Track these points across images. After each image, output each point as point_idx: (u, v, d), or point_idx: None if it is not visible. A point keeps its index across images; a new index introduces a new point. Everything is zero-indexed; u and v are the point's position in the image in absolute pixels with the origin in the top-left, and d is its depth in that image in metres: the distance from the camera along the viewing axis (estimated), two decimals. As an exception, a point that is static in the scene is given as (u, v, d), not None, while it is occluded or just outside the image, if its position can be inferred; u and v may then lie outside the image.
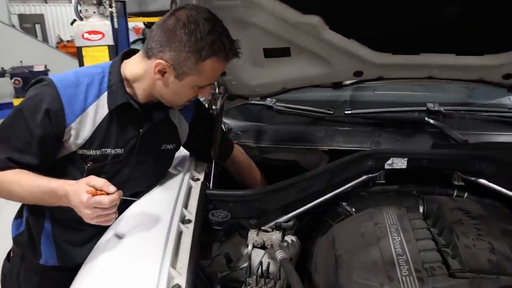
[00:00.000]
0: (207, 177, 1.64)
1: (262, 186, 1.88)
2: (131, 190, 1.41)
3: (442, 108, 2.03)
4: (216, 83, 1.71)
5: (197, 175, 1.61)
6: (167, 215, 1.33)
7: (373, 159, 1.72)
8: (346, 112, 2.09)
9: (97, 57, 4.29)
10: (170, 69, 1.24)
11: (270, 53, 1.59)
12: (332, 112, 2.10)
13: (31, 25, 11.57)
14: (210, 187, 1.56)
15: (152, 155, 1.44)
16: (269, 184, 2.02)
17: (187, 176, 1.55)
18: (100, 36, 4.46)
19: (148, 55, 1.27)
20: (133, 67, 1.32)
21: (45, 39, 11.13)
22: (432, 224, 1.57)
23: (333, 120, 2.07)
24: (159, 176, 1.53)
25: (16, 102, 5.98)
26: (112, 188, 1.14)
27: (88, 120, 1.29)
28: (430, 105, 2.05)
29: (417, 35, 1.47)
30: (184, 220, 1.34)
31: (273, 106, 2.19)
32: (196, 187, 1.51)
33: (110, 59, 4.28)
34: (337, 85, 1.80)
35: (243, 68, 1.63)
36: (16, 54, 6.80)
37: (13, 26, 7.44)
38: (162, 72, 1.26)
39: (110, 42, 4.55)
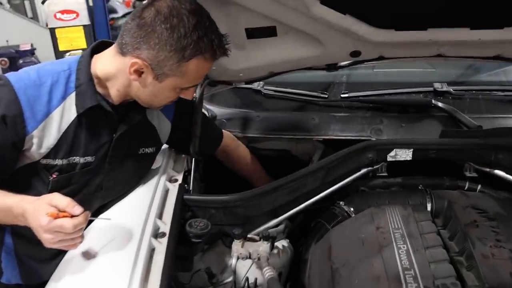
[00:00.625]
0: (188, 176, 1.48)
1: (263, 177, 1.77)
2: (104, 200, 1.31)
3: (451, 88, 1.84)
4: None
5: (175, 175, 1.45)
6: (138, 228, 1.19)
7: (373, 151, 1.56)
8: (342, 95, 1.90)
9: (72, 39, 4.02)
10: (148, 70, 1.10)
11: (253, 33, 1.39)
12: (326, 96, 1.91)
13: (20, 1, 11.13)
14: (190, 189, 1.39)
15: (129, 161, 1.31)
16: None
17: (164, 177, 1.39)
18: (74, 15, 4.17)
19: (123, 52, 1.11)
20: (105, 64, 1.16)
21: (35, 17, 10.73)
22: (442, 224, 1.42)
23: (328, 105, 1.89)
24: (136, 183, 1.39)
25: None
26: (77, 209, 0.98)
27: (52, 126, 1.14)
28: (437, 85, 1.86)
29: (424, 7, 1.26)
30: (157, 234, 1.19)
31: (261, 90, 1.99)
32: (174, 191, 1.35)
33: (87, 41, 4.04)
34: (332, 67, 1.60)
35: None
36: (2, 33, 6.50)
37: (1, 3, 7.07)
38: (139, 72, 1.11)
39: (86, 21, 4.28)
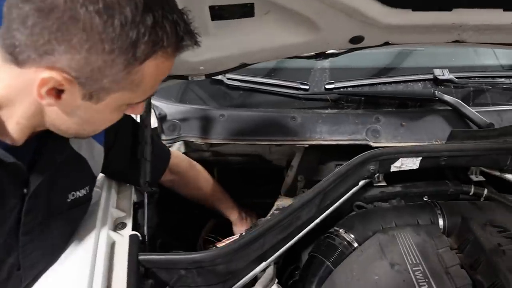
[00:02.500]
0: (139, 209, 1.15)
1: (224, 200, 1.54)
2: (23, 283, 0.93)
3: (453, 76, 1.62)
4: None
5: (121, 216, 1.11)
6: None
7: (376, 162, 1.30)
8: (326, 86, 1.62)
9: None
10: (74, 86, 0.72)
11: (221, 13, 1.06)
12: (308, 88, 1.61)
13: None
14: (145, 239, 1.06)
15: (54, 218, 0.94)
16: (225, 189, 1.60)
17: (106, 224, 1.06)
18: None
19: (18, 60, 0.70)
20: None
21: None
22: (457, 246, 1.25)
23: (311, 99, 1.60)
24: (68, 243, 1.03)
25: None
26: None
27: None
28: (437, 72, 1.64)
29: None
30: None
31: (223, 80, 1.66)
32: (122, 244, 1.02)
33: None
34: (321, 55, 1.30)
35: (178, 39, 1.08)
36: None
37: None
38: (56, 92, 0.72)
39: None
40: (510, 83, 1.66)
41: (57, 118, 0.78)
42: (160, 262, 0.96)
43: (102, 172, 1.14)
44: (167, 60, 0.76)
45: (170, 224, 1.70)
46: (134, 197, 1.23)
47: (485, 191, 1.50)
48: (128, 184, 1.27)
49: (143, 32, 0.69)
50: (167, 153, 1.33)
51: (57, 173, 0.89)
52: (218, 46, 1.15)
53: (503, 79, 1.67)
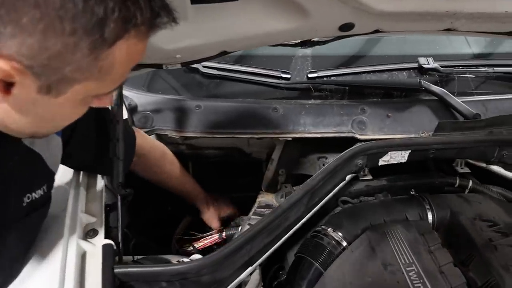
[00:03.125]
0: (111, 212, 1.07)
1: (190, 185, 1.47)
2: None
3: (438, 65, 1.60)
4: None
5: (91, 222, 1.02)
6: None
7: (364, 156, 1.26)
8: (309, 75, 1.56)
9: None
10: (26, 77, 0.60)
11: (201, -4, 0.96)
12: (289, 77, 1.54)
13: None
14: (120, 246, 0.97)
15: (9, 228, 0.84)
16: (201, 184, 1.54)
17: (76, 234, 0.96)
18: None
19: None
20: None
21: None
22: (445, 240, 1.23)
23: (293, 89, 1.53)
24: (28, 255, 0.94)
25: None
26: None
27: None
28: (422, 61, 1.61)
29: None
30: None
31: (198, 68, 1.57)
32: (95, 256, 0.93)
33: None
34: (306, 43, 1.24)
35: (153, 24, 0.99)
36: None
37: None
38: (4, 86, 0.61)
39: None
40: (494, 72, 1.65)
41: (7, 117, 0.66)
42: (139, 275, 0.88)
43: (65, 165, 1.04)
44: (140, 41, 0.65)
45: (143, 222, 1.62)
46: (104, 198, 1.14)
47: (470, 182, 1.50)
48: (97, 182, 1.18)
49: (111, 7, 0.57)
50: (133, 138, 1.23)
51: (9, 175, 0.78)
52: (197, 32, 1.06)
53: (486, 68, 1.66)
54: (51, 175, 0.95)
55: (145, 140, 1.34)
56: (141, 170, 1.35)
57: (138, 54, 0.68)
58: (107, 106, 0.78)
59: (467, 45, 1.91)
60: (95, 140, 1.09)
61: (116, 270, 0.87)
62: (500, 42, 1.88)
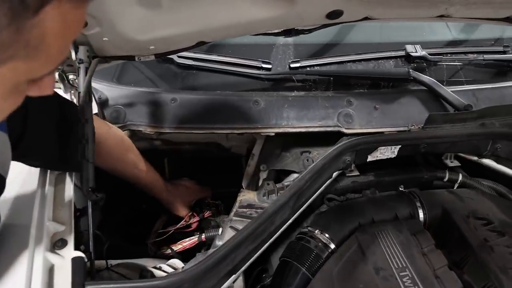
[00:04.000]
0: (79, 224, 1.00)
1: (139, 163, 1.38)
2: None
3: (426, 53, 1.56)
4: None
5: (60, 231, 0.95)
6: None
7: (352, 153, 1.22)
8: (291, 65, 1.50)
9: None
10: None
11: (177, -19, 0.90)
12: (270, 67, 1.49)
13: None
14: (92, 256, 0.91)
15: None
16: (173, 174, 1.48)
17: (42, 245, 0.90)
18: None
19: None
20: None
21: None
22: (439, 242, 1.20)
23: (274, 79, 1.48)
24: None
25: None
26: None
27: None
28: (410, 49, 1.57)
29: None
30: None
31: (173, 58, 1.49)
32: (63, 269, 0.87)
33: None
34: (291, 32, 1.18)
35: (123, 13, 0.92)
36: None
37: None
38: None
39: None
40: (484, 60, 1.63)
41: None
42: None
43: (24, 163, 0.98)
44: (76, 7, 0.55)
45: (116, 221, 1.56)
46: (74, 201, 1.07)
47: (460, 176, 1.49)
48: (66, 184, 1.10)
49: None
50: None
51: None
52: (172, 21, 0.99)
53: (475, 55, 1.64)
54: None
55: (100, 126, 1.20)
56: (101, 160, 1.22)
57: (76, 23, 0.57)
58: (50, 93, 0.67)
59: (448, 30, 1.89)
60: (55, 130, 1.01)
61: (88, 287, 0.80)
62: (480, 27, 1.86)
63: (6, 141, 0.87)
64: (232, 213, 1.35)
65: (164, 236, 1.47)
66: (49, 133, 1.01)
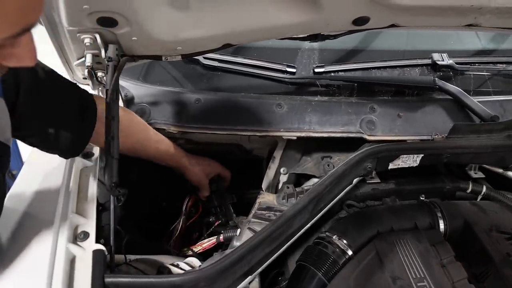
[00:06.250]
0: (101, 218, 1.02)
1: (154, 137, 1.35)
2: None
3: (453, 61, 1.54)
4: (99, 39, 0.98)
5: (82, 224, 0.97)
6: None
7: (374, 160, 1.21)
8: (316, 69, 1.50)
9: None
10: None
11: (206, -17, 0.91)
12: (294, 71, 1.49)
13: None
14: (112, 250, 0.93)
15: None
16: None
17: (65, 236, 0.92)
18: None
19: None
20: None
21: None
22: (459, 254, 1.17)
23: (298, 84, 1.48)
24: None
25: None
26: None
27: None
28: (436, 57, 1.55)
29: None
30: None
31: (199, 59, 1.51)
32: (84, 261, 0.89)
33: None
34: (316, 37, 1.19)
35: (153, 13, 0.94)
36: None
37: None
38: None
39: None
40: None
41: None
42: (131, 286, 0.83)
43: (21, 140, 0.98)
44: None
45: (136, 218, 1.58)
46: (96, 196, 1.09)
47: (484, 188, 1.46)
48: (89, 179, 1.13)
49: None
50: (92, 103, 1.11)
51: None
52: (200, 23, 1.01)
53: (504, 65, 1.61)
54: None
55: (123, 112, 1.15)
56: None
57: None
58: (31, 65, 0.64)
59: (477, 39, 1.86)
60: (51, 106, 1.00)
61: (107, 280, 0.82)
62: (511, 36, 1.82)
63: (3, 106, 0.87)
64: (250, 215, 1.36)
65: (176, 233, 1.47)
66: (44, 107, 0.99)
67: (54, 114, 1.02)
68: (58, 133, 1.02)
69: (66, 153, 1.12)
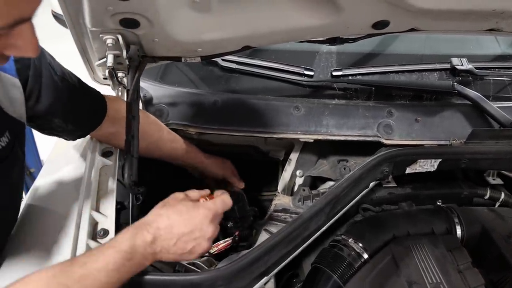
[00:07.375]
0: (119, 217, 1.04)
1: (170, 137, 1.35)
2: None
3: (473, 66, 1.53)
4: (121, 40, 0.99)
5: (102, 221, 0.98)
6: None
7: (391, 164, 1.20)
8: (334, 73, 1.50)
9: None
10: None
11: (227, -14, 0.92)
12: (312, 74, 1.49)
13: None
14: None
15: None
16: None
17: (85, 233, 0.93)
18: None
19: None
20: None
21: None
22: (476, 261, 1.15)
23: (315, 87, 1.48)
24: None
25: None
26: None
27: None
28: (455, 62, 1.54)
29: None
30: None
31: (217, 61, 1.52)
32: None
33: None
34: (335, 40, 1.19)
35: (174, 15, 0.95)
36: None
37: None
38: None
39: None
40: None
41: None
42: (150, 283, 0.84)
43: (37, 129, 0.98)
44: None
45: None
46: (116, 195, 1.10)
47: (502, 195, 1.44)
48: (109, 177, 1.14)
49: None
50: (101, 99, 1.11)
51: None
52: (220, 25, 1.02)
53: (524, 72, 1.59)
54: (10, 120, 0.86)
55: (123, 104, 1.08)
56: (120, 140, 1.09)
57: None
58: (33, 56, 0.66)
59: (497, 44, 1.84)
60: (61, 91, 0.98)
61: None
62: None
63: (18, 87, 0.87)
64: (266, 217, 1.36)
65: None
66: (54, 87, 0.97)
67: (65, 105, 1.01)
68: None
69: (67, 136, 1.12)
